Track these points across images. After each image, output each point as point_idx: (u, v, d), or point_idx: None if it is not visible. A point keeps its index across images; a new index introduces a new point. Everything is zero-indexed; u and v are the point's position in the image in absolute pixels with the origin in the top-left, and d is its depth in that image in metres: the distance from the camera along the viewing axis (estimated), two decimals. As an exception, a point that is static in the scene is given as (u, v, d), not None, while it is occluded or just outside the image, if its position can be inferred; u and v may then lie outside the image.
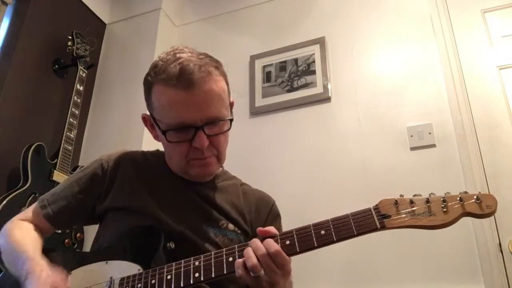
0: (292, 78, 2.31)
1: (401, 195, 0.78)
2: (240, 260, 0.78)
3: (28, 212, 1.02)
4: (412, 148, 1.92)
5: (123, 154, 1.06)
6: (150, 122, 1.00)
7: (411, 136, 1.94)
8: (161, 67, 0.92)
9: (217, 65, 0.96)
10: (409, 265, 1.72)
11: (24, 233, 0.96)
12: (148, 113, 1.00)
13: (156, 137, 1.02)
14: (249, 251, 0.77)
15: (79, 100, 2.23)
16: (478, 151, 1.81)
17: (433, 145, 1.90)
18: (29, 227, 0.98)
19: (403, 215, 0.75)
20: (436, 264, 1.69)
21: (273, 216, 1.08)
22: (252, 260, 0.76)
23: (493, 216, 1.68)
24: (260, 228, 0.82)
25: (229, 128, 0.96)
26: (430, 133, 1.91)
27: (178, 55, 0.92)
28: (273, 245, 0.77)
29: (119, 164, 1.03)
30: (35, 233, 0.97)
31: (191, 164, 0.96)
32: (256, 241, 0.79)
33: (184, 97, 0.88)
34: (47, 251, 0.94)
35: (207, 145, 0.92)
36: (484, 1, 2.07)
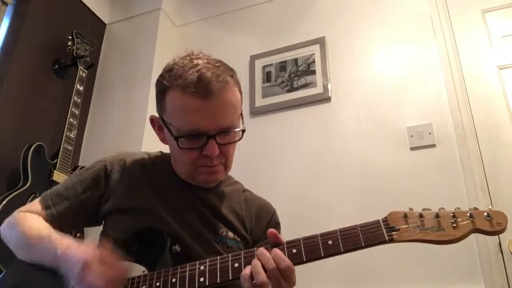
0: (292, 78, 2.31)
1: (410, 208, 0.77)
2: (248, 273, 0.76)
3: (32, 209, 1.00)
4: (412, 148, 1.92)
5: (128, 156, 1.06)
6: (159, 124, 0.99)
7: (411, 136, 1.94)
8: (177, 71, 0.90)
9: (233, 73, 0.96)
10: (409, 265, 1.72)
11: (37, 221, 0.96)
12: (156, 114, 0.99)
13: (163, 140, 1.01)
14: (257, 266, 0.76)
15: (79, 100, 2.23)
16: (478, 151, 1.81)
17: (433, 145, 1.90)
18: (39, 217, 0.98)
19: (412, 229, 0.75)
20: (436, 264, 1.69)
21: (273, 225, 1.07)
22: (262, 277, 0.74)
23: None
24: (271, 230, 0.81)
25: (240, 138, 0.96)
26: (430, 133, 1.91)
27: (195, 62, 0.91)
28: (284, 259, 0.76)
29: (124, 166, 1.03)
30: (46, 223, 0.96)
31: (199, 171, 0.95)
32: (264, 253, 0.77)
33: (200, 105, 0.88)
34: None
35: (214, 157, 0.92)
36: (484, 1, 2.07)
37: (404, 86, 2.06)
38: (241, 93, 0.99)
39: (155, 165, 1.06)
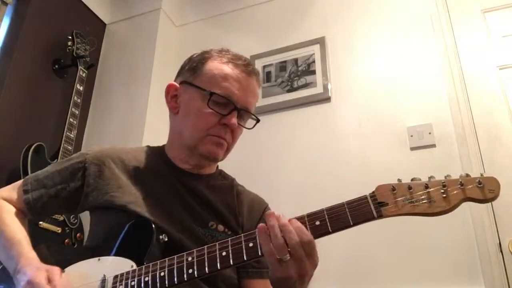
0: (292, 78, 2.31)
1: (399, 180, 0.73)
2: (269, 248, 0.73)
3: (13, 192, 1.03)
4: (412, 148, 1.92)
5: (110, 150, 1.05)
6: (175, 92, 1.04)
7: (411, 136, 1.94)
8: (221, 51, 1.04)
9: None
10: (409, 264, 1.72)
11: (11, 218, 0.98)
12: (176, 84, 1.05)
13: (173, 108, 1.04)
14: (272, 229, 0.74)
15: (79, 100, 2.23)
16: (478, 151, 1.81)
17: (433, 145, 1.89)
18: (13, 211, 1.01)
19: (401, 202, 0.70)
20: (436, 264, 1.69)
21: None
22: (279, 238, 0.72)
23: (493, 216, 1.68)
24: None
25: (252, 127, 1.05)
26: (430, 133, 1.91)
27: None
28: (304, 231, 0.73)
29: (103, 161, 1.01)
30: (20, 220, 0.99)
31: (207, 139, 0.98)
32: (277, 220, 0.75)
33: (242, 78, 1.00)
34: (39, 248, 0.94)
35: (228, 131, 0.98)
36: (484, 1, 2.07)
37: (404, 86, 2.06)
38: None
39: (141, 158, 1.06)
